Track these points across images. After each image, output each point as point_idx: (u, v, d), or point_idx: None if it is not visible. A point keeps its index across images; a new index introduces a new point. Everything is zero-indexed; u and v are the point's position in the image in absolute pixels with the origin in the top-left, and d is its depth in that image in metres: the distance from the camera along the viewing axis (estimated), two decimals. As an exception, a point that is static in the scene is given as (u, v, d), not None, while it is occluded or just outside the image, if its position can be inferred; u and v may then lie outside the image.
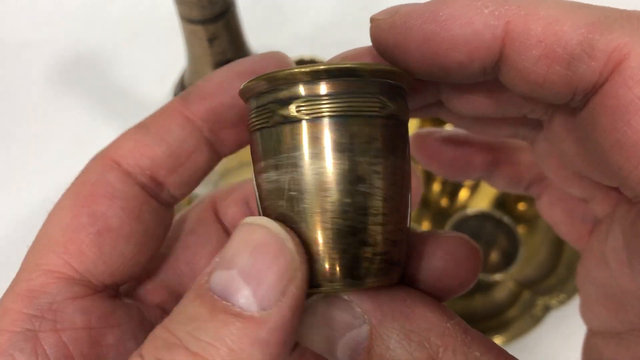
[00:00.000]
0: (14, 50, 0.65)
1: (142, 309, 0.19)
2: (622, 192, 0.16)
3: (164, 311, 0.20)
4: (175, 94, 0.36)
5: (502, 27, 0.13)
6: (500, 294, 0.46)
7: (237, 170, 0.41)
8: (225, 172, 0.41)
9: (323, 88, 0.14)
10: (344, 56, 0.18)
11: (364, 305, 0.15)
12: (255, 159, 0.16)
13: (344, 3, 0.67)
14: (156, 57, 0.64)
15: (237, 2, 0.30)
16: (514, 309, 0.44)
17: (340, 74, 0.14)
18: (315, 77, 0.15)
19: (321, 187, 0.14)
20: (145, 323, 0.19)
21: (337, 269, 0.14)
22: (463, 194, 0.47)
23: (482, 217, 0.44)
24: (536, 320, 0.43)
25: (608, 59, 0.13)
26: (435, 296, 0.17)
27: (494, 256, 0.45)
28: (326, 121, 0.14)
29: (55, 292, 0.16)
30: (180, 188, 0.19)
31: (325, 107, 0.14)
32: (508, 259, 0.42)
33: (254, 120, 0.16)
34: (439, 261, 0.17)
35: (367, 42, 0.20)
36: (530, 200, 0.48)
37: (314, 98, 0.14)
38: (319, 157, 0.14)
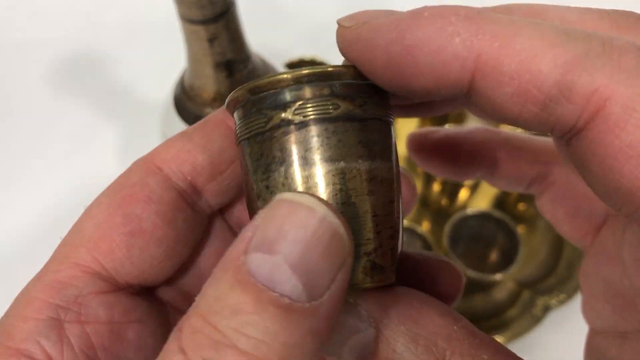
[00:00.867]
0: (14, 50, 0.65)
1: (162, 308, 0.19)
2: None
3: (175, 309, 0.20)
4: (175, 94, 0.36)
5: (473, 59, 0.12)
6: (500, 293, 0.46)
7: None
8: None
9: (284, 97, 0.15)
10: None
11: (370, 308, 0.14)
12: (244, 166, 0.16)
13: (344, 3, 0.67)
14: (156, 57, 0.64)
15: (237, 2, 0.30)
16: (514, 308, 0.44)
17: (301, 80, 0.15)
18: (274, 86, 0.15)
19: (310, 192, 0.14)
20: (164, 322, 0.19)
21: None
22: (463, 194, 0.47)
23: (482, 217, 0.44)
24: (536, 320, 0.43)
25: (587, 103, 0.12)
26: None
27: (494, 256, 0.45)
28: (292, 128, 0.15)
29: (82, 285, 0.17)
30: (218, 196, 0.19)
31: (290, 114, 0.15)
32: (508, 259, 0.42)
33: (242, 129, 0.16)
34: (421, 284, 0.17)
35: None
36: (530, 200, 0.48)
37: (274, 107, 0.15)
38: (303, 161, 0.14)
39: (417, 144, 0.22)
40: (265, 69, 0.36)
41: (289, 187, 0.14)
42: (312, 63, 0.53)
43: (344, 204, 0.14)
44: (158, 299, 0.20)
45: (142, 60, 0.64)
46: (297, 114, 0.14)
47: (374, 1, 0.68)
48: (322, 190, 0.14)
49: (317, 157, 0.14)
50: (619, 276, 0.18)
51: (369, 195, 0.14)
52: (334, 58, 0.60)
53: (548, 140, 0.22)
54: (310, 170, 0.14)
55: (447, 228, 0.42)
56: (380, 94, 0.15)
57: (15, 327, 0.16)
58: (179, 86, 0.36)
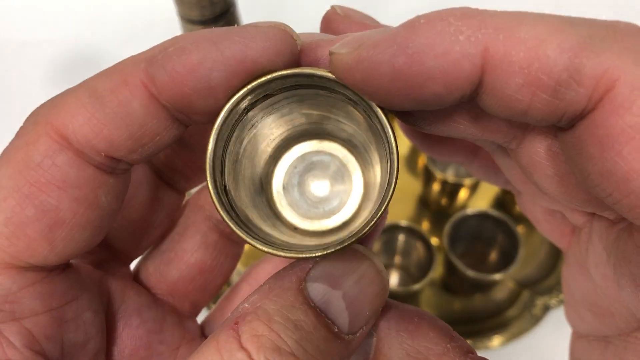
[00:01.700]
0: (15, 50, 0.65)
1: (93, 273, 0.18)
2: (600, 213, 0.16)
3: (154, 295, 0.20)
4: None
5: (481, 54, 0.12)
6: (500, 293, 0.46)
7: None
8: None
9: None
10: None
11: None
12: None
13: (343, 3, 0.67)
14: (156, 57, 0.64)
15: (236, 2, 0.31)
16: (513, 308, 0.44)
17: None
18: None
19: None
20: (102, 289, 0.18)
21: None
22: (463, 194, 0.47)
23: (482, 217, 0.44)
24: (536, 320, 0.43)
25: (597, 85, 0.12)
26: None
27: (494, 256, 0.45)
28: None
29: (10, 283, 0.15)
30: (141, 161, 0.17)
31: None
32: (508, 259, 0.42)
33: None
34: None
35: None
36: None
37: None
38: None
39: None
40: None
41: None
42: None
43: None
44: (84, 266, 0.19)
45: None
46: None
47: (374, 2, 0.68)
48: None
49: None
50: (591, 284, 0.18)
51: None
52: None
53: None
54: None
55: (447, 228, 0.42)
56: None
57: None
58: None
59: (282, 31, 0.14)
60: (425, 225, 0.50)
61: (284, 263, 0.17)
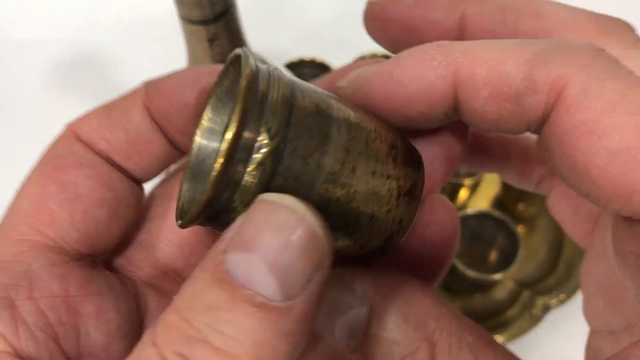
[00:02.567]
0: (14, 50, 0.65)
1: (125, 282, 0.19)
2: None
3: (152, 286, 0.19)
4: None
5: (451, 75, 0.14)
6: (500, 293, 0.46)
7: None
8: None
9: None
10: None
11: (365, 287, 0.15)
12: None
13: (343, 3, 0.67)
14: (157, 57, 0.64)
15: (237, 2, 0.31)
16: (513, 308, 0.44)
17: None
18: None
19: None
20: (127, 295, 0.18)
21: None
22: (463, 194, 0.47)
23: (482, 217, 0.44)
24: (536, 320, 0.43)
25: (550, 90, 0.13)
26: (427, 268, 0.18)
27: (494, 256, 0.45)
28: None
29: (31, 259, 0.16)
30: (140, 174, 0.19)
31: None
32: (508, 259, 0.42)
33: None
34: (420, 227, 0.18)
35: (367, 42, 0.20)
36: (530, 200, 0.48)
37: None
38: None
39: (379, 11, 0.22)
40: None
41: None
42: (312, 63, 0.53)
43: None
44: (118, 272, 0.19)
45: (142, 60, 0.64)
46: None
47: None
48: None
49: None
50: (608, 272, 0.19)
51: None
52: (333, 58, 0.61)
53: None
54: None
55: (447, 228, 0.42)
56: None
57: None
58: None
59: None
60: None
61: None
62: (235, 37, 0.31)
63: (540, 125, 0.14)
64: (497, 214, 0.43)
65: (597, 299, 0.19)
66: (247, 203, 0.13)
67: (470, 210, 0.43)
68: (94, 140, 0.18)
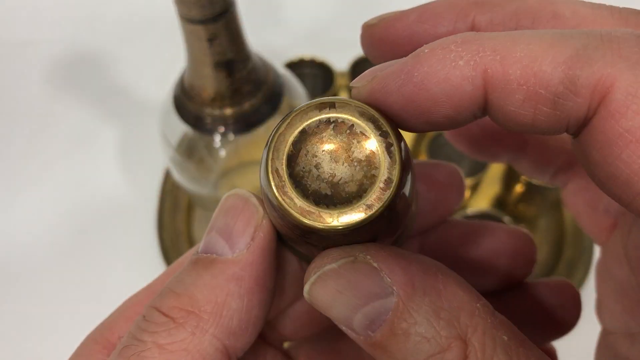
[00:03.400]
0: (14, 50, 0.65)
1: None
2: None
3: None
4: (175, 93, 0.36)
5: (481, 76, 0.13)
6: (500, 293, 0.46)
7: (238, 170, 0.41)
8: (225, 172, 0.41)
9: None
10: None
11: (395, 276, 0.14)
12: None
13: (343, 3, 0.67)
14: (156, 57, 0.64)
15: (236, 1, 0.30)
16: (513, 308, 0.44)
17: None
18: None
19: None
20: None
21: None
22: (463, 193, 0.47)
23: (482, 217, 0.43)
24: (536, 320, 0.43)
25: (592, 93, 0.12)
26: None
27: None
28: None
29: None
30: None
31: None
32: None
33: None
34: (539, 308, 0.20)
35: (366, 41, 0.20)
36: (530, 200, 0.48)
37: None
38: None
39: (380, 32, 0.21)
40: (265, 68, 0.36)
41: None
42: (312, 63, 0.53)
43: None
44: None
45: (141, 59, 0.64)
46: None
47: (372, 2, 0.68)
48: None
49: None
50: (627, 276, 0.18)
51: None
52: (333, 57, 0.61)
53: None
54: None
55: (447, 228, 0.42)
56: None
57: None
58: (178, 86, 0.36)
59: None
60: (425, 225, 0.50)
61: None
62: (235, 36, 0.31)
63: (579, 128, 0.13)
64: (497, 214, 0.43)
65: (615, 303, 0.19)
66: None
67: (470, 210, 0.43)
68: None
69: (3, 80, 0.62)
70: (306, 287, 0.15)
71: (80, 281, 0.47)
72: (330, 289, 0.14)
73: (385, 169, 0.14)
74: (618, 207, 0.20)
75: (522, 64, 0.13)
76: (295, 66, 0.52)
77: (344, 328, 0.14)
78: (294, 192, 0.14)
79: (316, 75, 0.53)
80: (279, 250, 0.18)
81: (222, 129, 0.35)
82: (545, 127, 0.13)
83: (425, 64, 0.13)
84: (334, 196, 0.14)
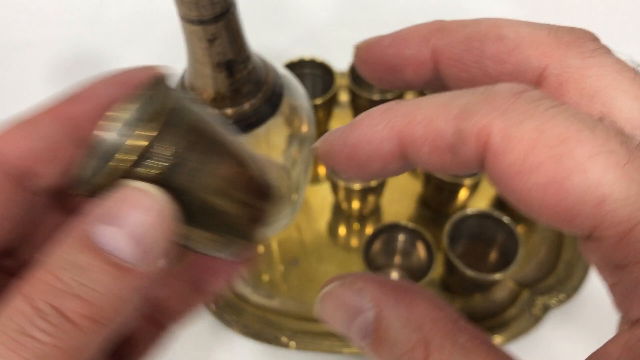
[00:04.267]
0: (15, 51, 0.65)
1: None
2: None
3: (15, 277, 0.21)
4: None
5: (395, 136, 0.16)
6: (500, 293, 0.46)
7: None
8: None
9: None
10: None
11: (373, 292, 0.17)
12: None
13: (343, 3, 0.67)
14: (157, 57, 0.64)
15: (237, 2, 0.31)
16: (513, 308, 0.44)
17: None
18: None
19: None
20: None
21: None
22: (463, 194, 0.47)
23: (481, 217, 0.44)
24: (535, 320, 0.43)
25: (477, 140, 0.15)
26: None
27: (494, 256, 0.45)
28: None
29: None
30: (55, 179, 0.20)
31: None
32: (507, 259, 0.42)
33: None
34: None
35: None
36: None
37: None
38: None
39: (364, 54, 0.22)
40: (266, 69, 0.36)
41: None
42: (312, 63, 0.53)
43: None
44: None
45: (143, 59, 0.64)
46: None
47: (373, 1, 0.68)
48: None
49: None
50: None
51: None
52: (333, 58, 0.61)
53: None
54: None
55: (447, 228, 0.42)
56: None
57: None
58: (179, 86, 0.36)
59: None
60: (425, 225, 0.50)
61: None
62: (235, 37, 0.31)
63: (481, 167, 0.16)
64: (497, 214, 0.43)
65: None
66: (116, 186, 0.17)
67: (470, 210, 0.43)
68: (13, 149, 0.20)
69: (5, 81, 0.62)
70: (316, 307, 0.18)
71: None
72: (330, 307, 0.18)
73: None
74: None
75: (423, 124, 0.16)
76: (296, 66, 0.52)
77: (348, 338, 0.18)
78: None
79: (316, 75, 0.53)
80: None
81: (222, 129, 0.35)
82: (454, 169, 0.16)
83: (357, 130, 0.17)
84: None
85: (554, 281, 0.45)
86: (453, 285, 0.45)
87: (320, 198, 0.52)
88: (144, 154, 0.16)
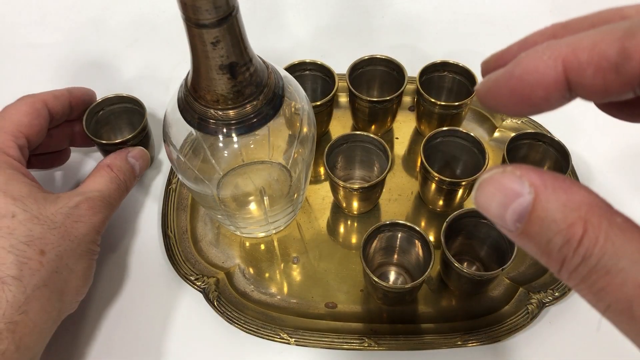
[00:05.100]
0: (21, 53, 0.66)
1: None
2: None
3: None
4: (180, 95, 0.37)
5: (560, 63, 0.18)
6: (496, 290, 0.47)
7: (240, 170, 0.42)
8: (227, 172, 0.42)
9: None
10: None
11: (532, 179, 0.18)
12: None
13: (344, 7, 0.68)
14: (161, 60, 0.64)
15: (239, 6, 0.31)
16: (509, 305, 0.45)
17: None
18: None
19: None
20: None
21: None
22: (460, 192, 0.48)
23: (478, 215, 0.44)
24: (531, 316, 0.44)
25: None
26: None
27: (490, 254, 0.46)
28: None
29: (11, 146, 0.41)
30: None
31: None
32: (503, 257, 0.42)
33: None
34: None
35: (365, 46, 0.21)
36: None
37: None
38: None
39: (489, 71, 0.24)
40: (267, 71, 0.37)
41: None
42: (312, 65, 0.54)
43: None
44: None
45: (146, 62, 0.64)
46: None
47: (374, 5, 0.69)
48: None
49: None
50: None
51: None
52: (333, 61, 0.61)
53: None
54: None
55: (444, 226, 0.43)
56: None
57: None
58: (183, 88, 0.37)
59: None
60: (422, 223, 0.51)
61: None
62: (237, 40, 0.32)
63: None
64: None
65: None
66: None
67: (465, 208, 0.44)
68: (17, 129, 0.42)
69: (11, 83, 0.63)
70: (473, 193, 0.20)
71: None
72: (487, 192, 0.19)
73: None
74: None
75: (588, 48, 0.18)
76: (297, 69, 0.53)
77: (499, 226, 0.19)
78: None
79: (317, 77, 0.54)
80: None
81: (225, 130, 0.36)
82: (616, 91, 0.18)
83: (522, 64, 0.19)
84: None
85: (549, 278, 0.46)
86: (449, 283, 0.46)
87: (320, 197, 0.52)
88: None
